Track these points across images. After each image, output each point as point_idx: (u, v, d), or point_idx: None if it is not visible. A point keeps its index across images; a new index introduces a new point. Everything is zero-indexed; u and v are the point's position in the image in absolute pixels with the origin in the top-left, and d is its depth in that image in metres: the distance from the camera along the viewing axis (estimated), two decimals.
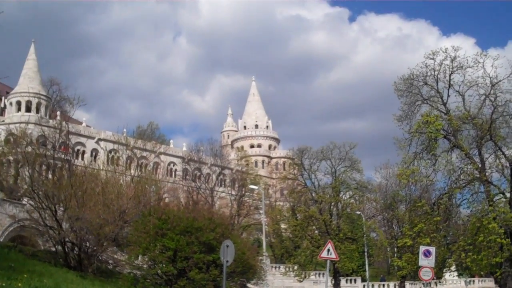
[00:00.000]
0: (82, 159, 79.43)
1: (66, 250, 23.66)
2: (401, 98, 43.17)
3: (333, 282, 48.55)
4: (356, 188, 51.33)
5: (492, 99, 41.78)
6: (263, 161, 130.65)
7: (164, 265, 19.07)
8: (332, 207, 51.32)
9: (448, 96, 43.00)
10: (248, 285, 22.71)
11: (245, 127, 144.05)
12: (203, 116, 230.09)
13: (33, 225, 25.63)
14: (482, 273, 56.34)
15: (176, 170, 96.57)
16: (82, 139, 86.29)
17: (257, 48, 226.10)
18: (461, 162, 42.62)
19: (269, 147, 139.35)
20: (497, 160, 43.08)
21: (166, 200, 46.87)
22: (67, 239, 23.46)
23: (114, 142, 74.65)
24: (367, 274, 56.03)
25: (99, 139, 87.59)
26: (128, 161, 66.16)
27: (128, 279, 19.96)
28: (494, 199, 42.04)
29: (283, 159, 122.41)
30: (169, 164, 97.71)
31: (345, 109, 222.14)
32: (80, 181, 25.72)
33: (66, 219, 23.29)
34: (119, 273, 22.66)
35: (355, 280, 59.54)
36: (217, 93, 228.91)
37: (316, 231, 51.37)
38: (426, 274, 28.92)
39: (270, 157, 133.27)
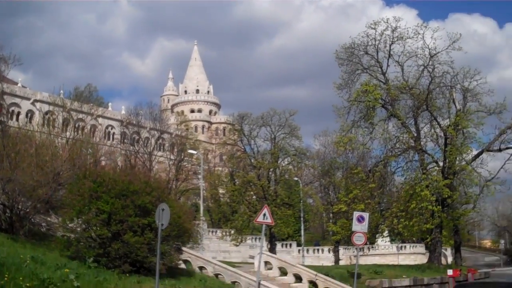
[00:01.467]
0: (17, 120, 76.79)
1: None
2: (342, 67, 43.68)
3: (269, 246, 49.22)
4: (294, 154, 51.82)
5: (430, 70, 42.76)
6: (203, 126, 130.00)
7: (98, 228, 18.70)
8: (270, 173, 51.73)
9: (388, 66, 43.79)
10: (184, 248, 22.61)
11: (186, 91, 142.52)
12: (143, 79, 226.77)
13: None
14: (414, 239, 58.26)
15: (114, 133, 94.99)
16: (17, 100, 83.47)
17: (200, 12, 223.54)
18: (397, 131, 43.71)
19: (210, 112, 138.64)
20: (432, 130, 44.39)
21: (103, 163, 45.94)
22: None
23: (50, 104, 72.14)
24: (302, 239, 57.03)
25: (35, 100, 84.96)
26: (65, 123, 64.30)
27: (61, 242, 19.49)
28: (428, 168, 43.41)
29: (223, 125, 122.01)
30: (107, 127, 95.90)
31: (287, 77, 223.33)
32: (13, 142, 24.76)
33: None
34: (52, 236, 22.13)
35: (290, 245, 60.59)
36: (158, 56, 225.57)
37: (254, 197, 51.77)
38: (359, 239, 29.45)
39: (210, 123, 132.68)
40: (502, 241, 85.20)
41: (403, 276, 32.38)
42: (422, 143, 43.51)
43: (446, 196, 39.63)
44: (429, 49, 42.22)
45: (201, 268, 24.17)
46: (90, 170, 21.73)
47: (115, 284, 16.24)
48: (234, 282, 22.96)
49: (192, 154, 65.16)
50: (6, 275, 13.32)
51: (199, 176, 62.47)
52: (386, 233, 49.07)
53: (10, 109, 79.77)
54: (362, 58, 43.64)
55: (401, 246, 57.02)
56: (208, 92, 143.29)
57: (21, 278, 13.51)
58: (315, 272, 28.15)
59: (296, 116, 51.53)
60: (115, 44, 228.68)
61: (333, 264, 51.36)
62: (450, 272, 36.08)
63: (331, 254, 56.79)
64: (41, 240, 21.03)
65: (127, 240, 18.21)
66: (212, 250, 49.14)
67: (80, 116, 70.30)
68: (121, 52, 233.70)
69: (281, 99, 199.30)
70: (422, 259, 49.47)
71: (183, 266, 23.42)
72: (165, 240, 19.04)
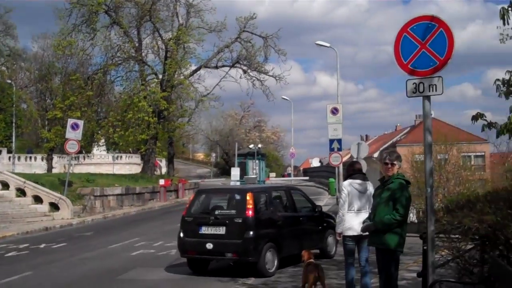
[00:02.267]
0: None
1: None
2: None
3: None
4: (8, 55, 47.83)
5: None
6: None
7: None
8: None
9: None
10: None
11: None
12: None
13: None
14: (130, 149, 58.97)
15: None
16: None
17: None
18: (120, 39, 42.90)
19: None
20: (154, 42, 44.52)
21: None
22: None
23: None
24: (13, 145, 53.69)
25: None
26: None
27: None
28: (147, 79, 43.81)
29: None
30: None
31: None
32: None
33: None
34: None
35: (0, 152, 56.66)
36: None
37: None
38: (72, 147, 28.83)
39: None
40: (214, 155, 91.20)
41: (116, 185, 32.66)
42: (143, 54, 43.53)
43: (163, 108, 40.59)
44: None
45: None
46: None
47: None
48: None
49: None
50: None
51: None
52: (102, 142, 48.63)
53: None
54: None
55: (117, 156, 57.28)
56: None
57: None
58: (23, 179, 27.01)
59: (13, 14, 47.14)
60: None
61: (46, 172, 49.56)
62: (162, 181, 37.56)
63: (44, 162, 54.68)
64: None
65: None
66: None
67: None
68: None
69: None
70: (138, 169, 50.45)
71: None
72: None
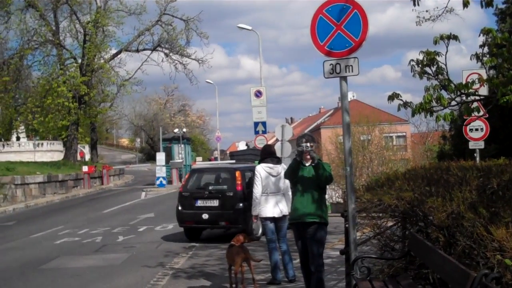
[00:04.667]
0: None
1: None
2: None
3: None
4: None
5: None
6: None
7: None
8: None
9: None
10: None
11: None
12: None
13: None
14: (50, 136, 57.26)
15: None
16: None
17: None
18: (36, 23, 41.49)
19: None
20: (72, 25, 43.32)
21: None
22: None
23: None
24: None
25: None
26: None
27: None
28: (66, 64, 42.61)
29: None
30: None
31: None
32: None
33: None
34: None
35: None
36: None
37: None
38: None
39: None
40: (138, 140, 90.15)
41: (37, 173, 31.67)
42: (61, 38, 42.31)
43: (84, 93, 39.69)
44: None
45: None
46: None
47: None
48: None
49: None
50: None
51: None
52: (21, 129, 47.01)
53: None
54: None
55: (38, 143, 55.47)
56: None
57: None
58: None
59: None
60: None
61: None
62: (85, 168, 36.78)
63: None
64: None
65: None
66: None
67: None
68: None
69: None
70: (60, 156, 49.07)
71: None
72: None
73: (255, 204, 9.29)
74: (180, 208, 14.39)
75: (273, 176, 9.21)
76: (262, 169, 9.24)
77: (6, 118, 41.10)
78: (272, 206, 9.05)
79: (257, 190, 9.19)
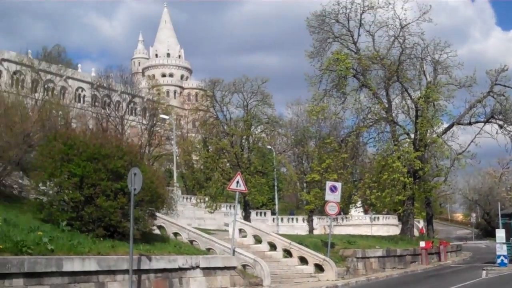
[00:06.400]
0: None
1: None
2: (313, 35, 43.06)
3: (243, 214, 49.05)
4: (267, 122, 51.39)
5: (401, 41, 42.55)
6: (175, 91, 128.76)
7: (70, 191, 18.21)
8: (243, 140, 51.28)
9: (359, 35, 43.46)
10: (158, 214, 22.26)
11: (156, 55, 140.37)
12: (112, 42, 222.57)
13: None
14: (385, 210, 58.79)
15: (84, 96, 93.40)
16: None
17: None
18: (369, 101, 43.68)
19: (181, 77, 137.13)
20: (403, 101, 44.45)
21: (74, 126, 45.06)
22: None
23: (18, 63, 70.21)
24: (276, 207, 57.10)
25: (2, 59, 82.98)
26: (33, 84, 62.66)
27: (34, 204, 19.01)
28: (399, 139, 43.58)
29: (195, 90, 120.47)
30: (77, 90, 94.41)
31: (257, 43, 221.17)
32: None
33: None
34: (25, 198, 21.60)
35: (265, 213, 60.66)
36: (126, 18, 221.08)
37: (228, 164, 51.41)
38: (332, 208, 29.54)
39: (182, 88, 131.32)
40: (474, 215, 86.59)
41: (376, 247, 32.58)
42: (393, 114, 43.55)
43: (418, 168, 39.88)
44: (400, 20, 42.07)
45: (175, 234, 23.93)
46: (60, 132, 21.11)
47: (89, 248, 15.89)
48: (208, 249, 22.79)
49: (164, 119, 64.45)
50: None
51: (172, 142, 61.94)
52: (359, 203, 49.36)
53: None
54: (333, 27, 43.11)
55: (374, 217, 57.36)
56: (179, 56, 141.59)
57: None
58: (289, 241, 28.06)
59: (267, 84, 50.60)
60: (82, 4, 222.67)
61: (307, 233, 51.58)
62: (422, 244, 36.58)
63: (305, 223, 56.99)
64: (14, 202, 20.51)
65: (100, 204, 17.82)
66: (187, 217, 48.84)
67: (49, 77, 68.46)
68: (88, 12, 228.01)
69: (251, 66, 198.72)
70: (395, 231, 49.92)
71: (157, 232, 23.16)
72: (139, 205, 18.67)
73: None
74: None
75: None
76: None
77: (345, 193, 43.49)
78: None
79: None
